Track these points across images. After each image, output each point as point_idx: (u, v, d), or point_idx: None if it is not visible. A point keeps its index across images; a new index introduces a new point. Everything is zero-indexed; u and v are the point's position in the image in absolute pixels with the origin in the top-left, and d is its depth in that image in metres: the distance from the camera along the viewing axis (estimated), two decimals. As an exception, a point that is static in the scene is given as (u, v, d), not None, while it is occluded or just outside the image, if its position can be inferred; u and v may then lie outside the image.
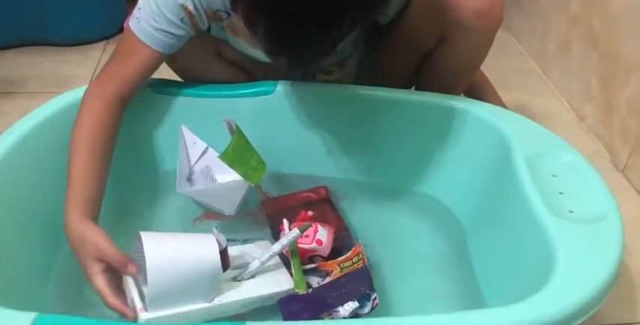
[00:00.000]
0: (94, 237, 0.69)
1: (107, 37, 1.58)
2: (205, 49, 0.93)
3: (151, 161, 0.98)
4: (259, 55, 0.83)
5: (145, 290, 0.67)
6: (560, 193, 0.77)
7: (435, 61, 0.93)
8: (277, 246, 0.78)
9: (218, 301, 0.71)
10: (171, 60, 0.91)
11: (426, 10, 0.88)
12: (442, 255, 0.89)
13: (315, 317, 0.73)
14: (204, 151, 0.92)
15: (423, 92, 0.93)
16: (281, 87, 0.95)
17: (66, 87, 0.95)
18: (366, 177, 0.99)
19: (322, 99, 0.94)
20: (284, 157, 0.96)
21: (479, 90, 1.08)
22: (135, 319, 0.67)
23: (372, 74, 1.03)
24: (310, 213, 0.90)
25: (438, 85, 0.94)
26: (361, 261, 0.79)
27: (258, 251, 0.80)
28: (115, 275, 0.70)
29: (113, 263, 0.69)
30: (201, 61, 0.94)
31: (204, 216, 0.92)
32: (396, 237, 0.91)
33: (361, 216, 0.94)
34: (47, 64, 1.47)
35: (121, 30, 1.07)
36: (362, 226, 0.92)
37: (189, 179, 0.93)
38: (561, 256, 0.68)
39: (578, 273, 0.66)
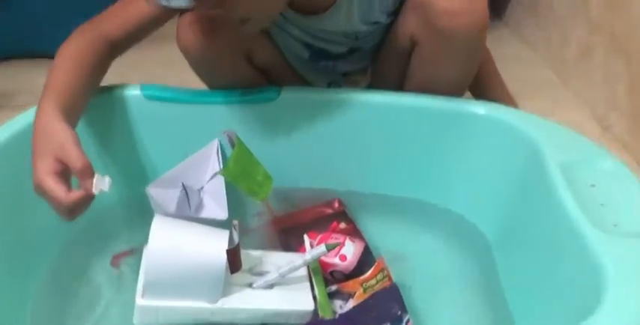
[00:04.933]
0: (61, 134, 0.63)
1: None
2: (235, 51, 0.86)
3: (141, 170, 0.92)
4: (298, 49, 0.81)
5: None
6: (601, 205, 0.69)
7: (412, 64, 0.87)
8: (299, 260, 0.72)
9: (222, 304, 0.67)
10: (198, 61, 0.85)
11: (405, 9, 0.83)
12: (468, 275, 0.82)
13: None
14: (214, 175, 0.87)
15: (442, 97, 0.86)
16: (286, 94, 0.88)
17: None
18: (382, 190, 0.93)
19: (332, 106, 0.88)
20: (290, 170, 0.90)
21: (485, 87, 1.00)
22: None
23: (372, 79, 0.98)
24: (343, 225, 0.84)
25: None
26: (387, 279, 0.74)
27: (281, 262, 0.73)
28: (67, 184, 0.63)
29: (74, 167, 0.62)
30: (229, 63, 0.87)
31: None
32: (416, 255, 0.84)
33: (378, 231, 0.87)
34: (38, 77, 1.39)
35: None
36: (379, 243, 0.85)
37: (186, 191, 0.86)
38: (610, 275, 0.59)
39: (632, 296, 0.58)
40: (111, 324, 0.73)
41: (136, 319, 0.67)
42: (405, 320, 0.68)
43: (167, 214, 0.81)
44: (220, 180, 0.83)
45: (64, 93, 0.70)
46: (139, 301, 0.66)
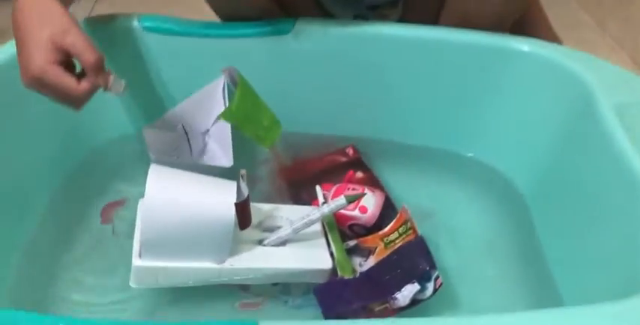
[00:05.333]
0: (63, 18, 0.54)
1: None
2: None
3: (139, 110, 0.84)
4: None
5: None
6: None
7: None
8: (316, 214, 0.65)
9: (230, 264, 0.61)
10: None
11: None
12: (501, 233, 0.75)
13: (366, 307, 0.61)
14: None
15: (481, 31, 0.76)
16: (301, 26, 0.77)
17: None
18: (402, 137, 0.85)
19: (352, 40, 0.77)
20: (301, 114, 0.82)
21: (527, 24, 0.89)
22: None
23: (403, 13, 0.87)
24: (360, 174, 0.77)
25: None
26: (411, 231, 0.67)
27: (294, 216, 0.68)
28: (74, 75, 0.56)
29: (87, 59, 0.55)
30: None
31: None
32: (443, 211, 0.77)
33: (398, 183, 0.79)
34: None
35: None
36: (400, 196, 0.77)
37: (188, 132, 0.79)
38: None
39: None
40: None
41: (133, 281, 0.61)
42: (433, 277, 0.62)
43: (164, 159, 0.74)
44: (226, 124, 0.75)
45: None
46: (136, 261, 0.59)
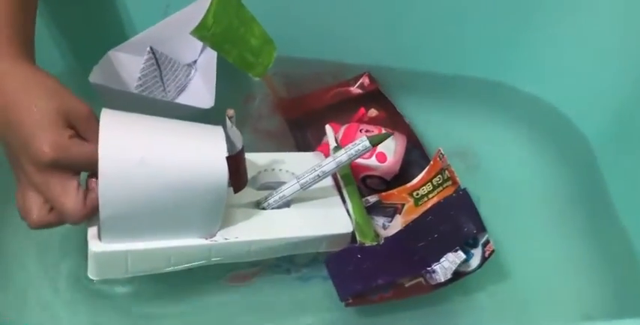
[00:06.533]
0: (50, 80, 0.45)
1: None
2: None
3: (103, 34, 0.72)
4: None
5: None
6: None
7: None
8: (330, 163, 0.53)
9: (223, 237, 0.50)
10: None
11: None
12: (561, 186, 0.67)
13: (393, 284, 0.53)
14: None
15: None
16: None
17: None
18: (433, 66, 0.75)
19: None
20: (301, 34, 0.72)
21: None
22: None
23: None
24: (373, 111, 0.67)
25: None
26: (450, 183, 0.56)
27: (298, 167, 0.57)
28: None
29: (83, 123, 0.45)
30: None
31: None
32: (487, 156, 0.69)
33: (427, 122, 0.69)
34: None
35: None
36: (431, 138, 0.68)
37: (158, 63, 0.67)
38: None
39: None
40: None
41: (91, 271, 0.48)
42: (482, 241, 0.52)
43: (124, 98, 0.62)
44: (212, 53, 0.65)
45: (15, 21, 0.50)
46: (95, 246, 0.47)
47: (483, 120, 0.73)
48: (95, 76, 0.60)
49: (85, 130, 0.45)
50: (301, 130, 0.69)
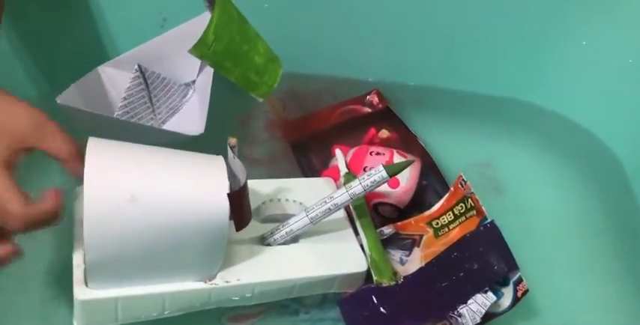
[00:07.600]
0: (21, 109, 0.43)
1: None
2: None
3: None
4: None
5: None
6: None
7: None
8: (343, 196, 0.49)
9: (224, 280, 0.46)
10: None
11: None
12: (593, 217, 0.63)
13: None
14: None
15: None
16: None
17: None
18: (448, 81, 0.72)
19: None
20: (308, 50, 0.71)
21: None
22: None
23: None
24: (385, 132, 0.64)
25: None
26: (474, 213, 0.52)
27: (307, 197, 0.54)
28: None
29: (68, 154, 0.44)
30: None
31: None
32: (511, 180, 0.66)
33: (445, 145, 0.66)
34: None
35: None
36: (447, 160, 0.64)
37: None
38: None
39: None
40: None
41: (78, 319, 0.45)
42: (513, 280, 0.49)
43: (98, 122, 0.57)
44: (209, 72, 0.62)
45: None
46: (81, 293, 0.43)
47: (504, 141, 0.70)
48: (67, 97, 0.56)
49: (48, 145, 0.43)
50: (305, 153, 0.66)
